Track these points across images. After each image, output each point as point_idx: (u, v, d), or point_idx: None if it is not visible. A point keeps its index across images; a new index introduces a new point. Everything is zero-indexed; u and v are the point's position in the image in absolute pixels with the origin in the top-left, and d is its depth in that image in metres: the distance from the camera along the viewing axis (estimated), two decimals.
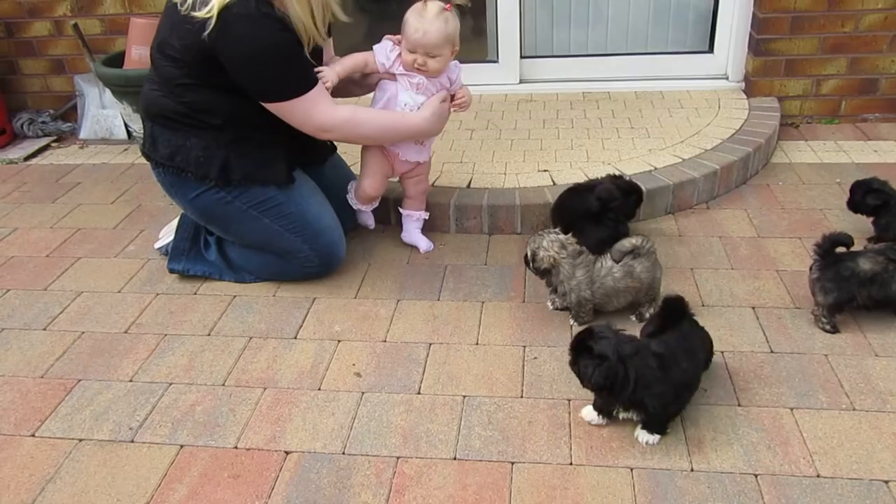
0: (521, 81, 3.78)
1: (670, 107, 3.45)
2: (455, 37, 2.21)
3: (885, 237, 2.36)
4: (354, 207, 2.51)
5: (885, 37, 3.29)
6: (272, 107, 2.09)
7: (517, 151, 3.06)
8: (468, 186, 2.76)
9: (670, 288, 2.26)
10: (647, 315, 2.13)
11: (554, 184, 2.74)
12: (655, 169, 2.80)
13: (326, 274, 2.43)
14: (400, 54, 2.23)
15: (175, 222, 2.56)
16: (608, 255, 2.08)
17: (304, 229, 2.31)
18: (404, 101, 2.27)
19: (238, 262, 2.46)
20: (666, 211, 2.73)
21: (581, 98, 3.64)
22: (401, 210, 2.58)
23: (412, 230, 2.60)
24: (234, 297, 2.38)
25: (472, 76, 3.61)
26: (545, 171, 2.85)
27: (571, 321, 2.14)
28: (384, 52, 2.24)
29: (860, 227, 2.52)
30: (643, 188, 2.51)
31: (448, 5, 2.18)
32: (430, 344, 2.09)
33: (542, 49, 3.79)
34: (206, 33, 1.95)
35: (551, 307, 2.20)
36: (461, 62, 3.43)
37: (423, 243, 2.58)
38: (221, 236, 2.46)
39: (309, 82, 2.10)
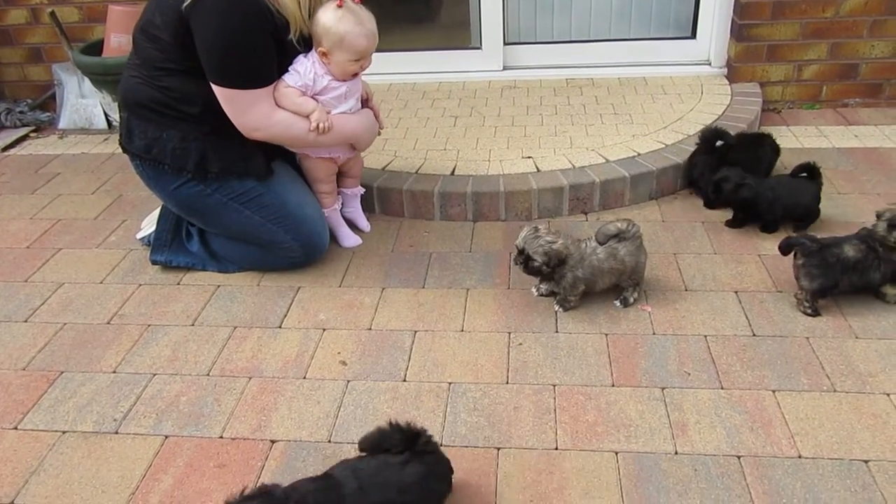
0: (505, 68, 3.77)
1: (653, 93, 3.45)
2: None
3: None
4: (328, 219, 2.48)
5: (865, 22, 3.31)
6: (215, 88, 2.06)
7: (501, 138, 3.06)
8: (452, 174, 2.76)
9: (654, 273, 2.28)
10: (632, 300, 2.13)
11: (538, 170, 2.74)
12: (639, 155, 2.81)
13: (310, 263, 2.43)
14: (316, 69, 2.17)
15: (156, 213, 2.53)
16: (593, 236, 2.09)
17: (286, 219, 2.30)
18: (338, 113, 2.26)
19: (221, 252, 2.45)
20: (650, 196, 2.74)
21: (565, 84, 3.64)
22: (343, 190, 2.57)
23: (355, 207, 2.62)
24: (218, 286, 2.37)
25: (456, 63, 3.74)
26: (529, 157, 2.85)
27: (556, 307, 2.15)
28: (305, 74, 2.15)
29: (847, 214, 2.55)
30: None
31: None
32: (416, 331, 2.09)
33: (526, 36, 3.77)
34: (184, 5, 1.94)
35: (536, 293, 2.21)
36: (444, 49, 3.47)
37: (363, 221, 2.63)
38: (203, 228, 2.45)
39: (261, 79, 2.08)
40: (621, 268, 2.09)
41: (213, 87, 2.06)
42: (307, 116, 2.17)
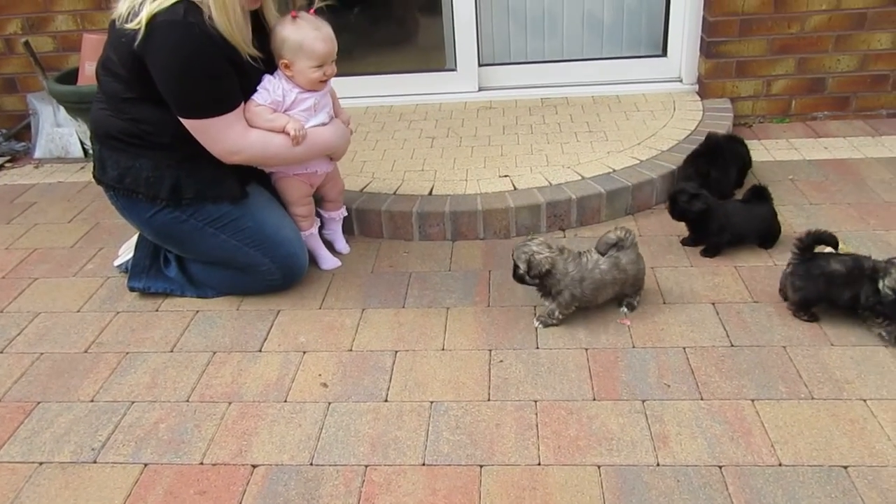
0: (480, 89, 3.81)
1: (627, 110, 3.50)
2: None
3: (701, 240, 2.47)
4: (306, 242, 2.48)
5: (830, 37, 3.39)
6: (184, 122, 2.07)
7: (478, 158, 3.08)
8: (430, 194, 2.77)
9: None
10: (636, 304, 2.17)
11: (515, 188, 2.76)
12: (614, 171, 2.84)
13: (289, 286, 2.42)
14: (284, 81, 2.19)
15: (134, 239, 2.52)
16: (592, 249, 2.11)
17: (264, 242, 2.30)
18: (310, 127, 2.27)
19: (199, 277, 2.44)
20: (626, 212, 2.77)
21: (539, 104, 3.68)
22: (323, 213, 2.58)
23: (335, 230, 2.63)
24: (197, 312, 2.35)
25: (432, 85, 3.77)
26: (506, 176, 2.87)
27: (536, 323, 2.15)
28: (273, 90, 2.18)
29: (818, 224, 2.59)
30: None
31: (311, 11, 2.18)
32: (396, 351, 2.09)
33: (500, 56, 3.82)
34: (136, 44, 1.95)
35: (542, 327, 2.15)
36: (420, 72, 3.49)
37: (341, 243, 2.62)
38: (180, 254, 2.44)
39: (226, 104, 2.08)
40: (624, 277, 2.11)
41: (182, 120, 2.07)
42: (282, 131, 2.18)
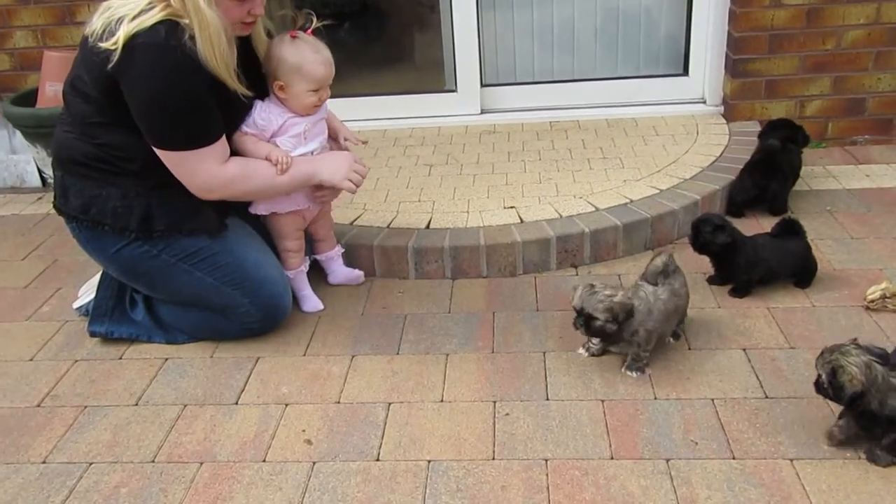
0: (483, 112, 3.82)
1: (645, 134, 3.51)
2: None
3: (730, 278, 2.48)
4: (292, 281, 2.50)
5: (869, 53, 3.42)
6: (159, 153, 2.09)
7: (481, 187, 3.08)
8: (427, 227, 2.77)
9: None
10: (681, 333, 2.21)
11: (521, 221, 2.76)
12: (631, 201, 2.84)
13: (270, 329, 2.41)
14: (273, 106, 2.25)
15: (96, 278, 2.51)
16: (642, 282, 2.13)
17: (243, 281, 2.29)
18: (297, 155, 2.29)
19: (169, 320, 2.43)
20: (645, 247, 2.76)
21: (548, 128, 3.69)
22: (318, 258, 2.61)
23: (338, 269, 2.65)
24: (166, 360, 2.34)
25: (430, 107, 3.79)
26: (512, 207, 2.87)
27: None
28: (259, 115, 2.24)
29: (862, 261, 2.59)
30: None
31: (309, 31, 2.24)
32: (390, 403, 2.08)
33: (505, 76, 3.84)
34: (110, 65, 1.96)
35: (586, 354, 2.19)
36: (417, 93, 3.54)
37: (354, 274, 2.66)
38: (148, 294, 2.43)
39: (204, 137, 2.09)
40: (682, 303, 2.15)
41: (157, 151, 2.08)
42: (266, 159, 2.21)
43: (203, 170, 2.12)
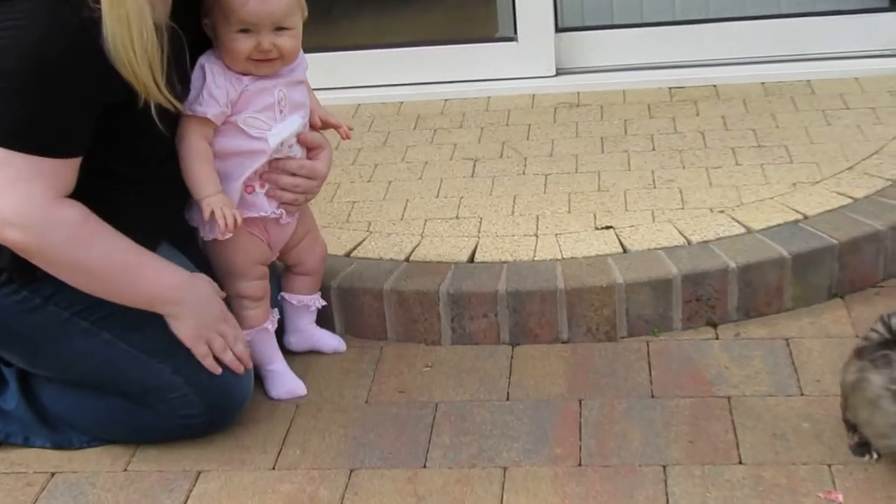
0: (559, 72, 3.36)
1: (826, 106, 3.04)
2: None
3: None
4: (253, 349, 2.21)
5: None
6: None
7: (556, 195, 2.65)
8: (471, 260, 2.39)
9: (837, 439, 1.96)
10: None
11: (624, 250, 2.31)
12: (805, 218, 2.39)
13: (220, 427, 2.09)
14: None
15: None
16: (869, 369, 1.84)
17: (177, 350, 2.01)
18: (278, 143, 2.06)
19: (57, 411, 2.15)
20: (829, 293, 2.30)
21: (667, 97, 3.23)
22: (286, 297, 2.36)
23: (309, 328, 2.39)
24: (52, 475, 2.04)
25: (475, 66, 3.44)
26: (608, 227, 2.45)
27: None
28: (215, 83, 2.04)
29: None
30: None
31: None
32: None
33: (593, 17, 3.43)
34: None
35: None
36: (454, 43, 3.33)
37: (332, 341, 2.39)
38: (26, 368, 2.15)
39: (49, 142, 1.86)
40: None
41: None
42: (199, 202, 1.99)
43: (21, 189, 1.85)
